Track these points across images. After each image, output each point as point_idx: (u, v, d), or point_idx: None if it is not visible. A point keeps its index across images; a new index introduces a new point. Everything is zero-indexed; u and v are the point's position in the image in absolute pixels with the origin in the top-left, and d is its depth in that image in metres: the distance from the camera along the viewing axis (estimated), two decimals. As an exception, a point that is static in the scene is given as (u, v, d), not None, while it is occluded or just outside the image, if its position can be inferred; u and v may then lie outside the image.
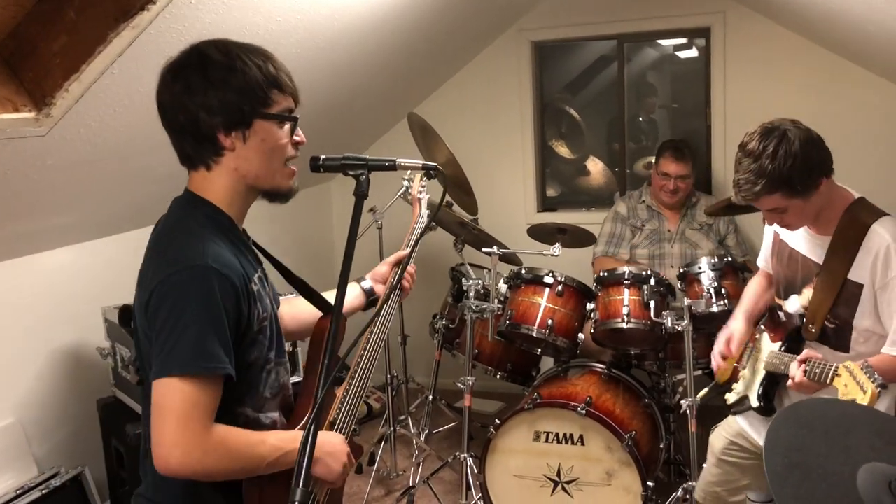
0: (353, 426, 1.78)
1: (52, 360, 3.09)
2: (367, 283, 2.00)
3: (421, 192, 2.35)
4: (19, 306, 2.96)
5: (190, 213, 1.51)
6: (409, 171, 2.38)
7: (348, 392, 1.74)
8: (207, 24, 2.31)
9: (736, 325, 2.53)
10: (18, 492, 2.80)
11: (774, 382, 2.38)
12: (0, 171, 2.33)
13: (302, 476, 1.29)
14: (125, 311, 2.93)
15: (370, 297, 1.99)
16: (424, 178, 2.24)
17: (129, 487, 2.93)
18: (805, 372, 2.09)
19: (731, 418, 2.56)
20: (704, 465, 2.67)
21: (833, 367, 2.00)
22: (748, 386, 2.47)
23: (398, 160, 1.60)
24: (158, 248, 1.49)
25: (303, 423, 1.62)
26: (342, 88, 3.64)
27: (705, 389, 2.79)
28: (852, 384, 1.89)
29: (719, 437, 2.59)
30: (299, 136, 1.57)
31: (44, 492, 2.83)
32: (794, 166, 2.06)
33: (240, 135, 1.49)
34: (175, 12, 2.16)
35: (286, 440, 1.52)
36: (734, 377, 2.60)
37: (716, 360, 2.56)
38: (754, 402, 2.39)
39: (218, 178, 1.52)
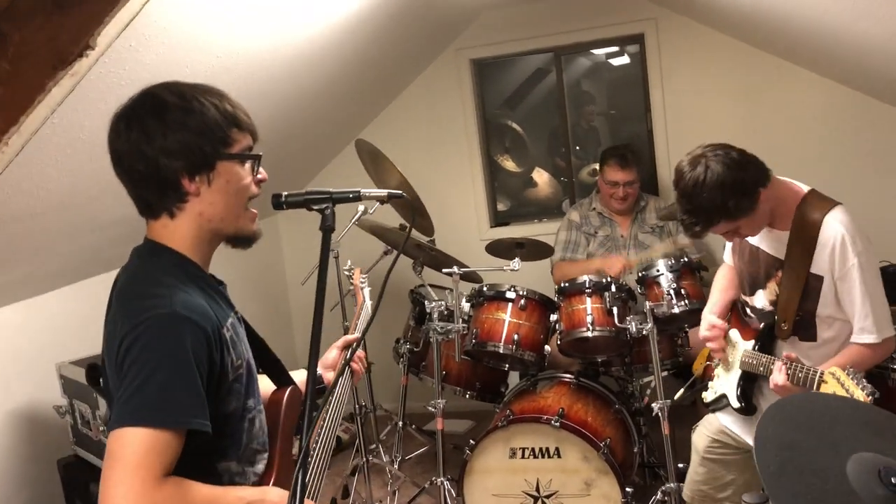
0: None
1: (7, 422, 2.96)
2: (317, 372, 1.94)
3: (363, 283, 2.36)
4: (-33, 369, 2.84)
5: (154, 263, 1.45)
6: (349, 265, 2.58)
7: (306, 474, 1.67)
8: (147, 66, 2.26)
9: (710, 319, 2.53)
10: (-19, 565, 2.68)
11: (751, 381, 2.41)
12: (-60, 232, 2.24)
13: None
14: (92, 369, 2.81)
15: (318, 387, 1.89)
16: (363, 275, 2.37)
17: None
18: (788, 376, 2.11)
19: (710, 416, 2.59)
20: (689, 465, 2.68)
21: (819, 374, 2.03)
22: (724, 385, 2.50)
23: (362, 191, 1.57)
24: (123, 300, 1.42)
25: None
26: (286, 120, 3.61)
27: (681, 390, 2.81)
28: (840, 391, 1.90)
29: (701, 435, 2.61)
30: (262, 173, 1.54)
31: (8, 562, 2.71)
32: (724, 195, 2.12)
33: (204, 178, 1.44)
34: (115, 56, 2.11)
35: (249, 492, 1.46)
36: (707, 375, 2.62)
37: (713, 343, 2.52)
38: (735, 403, 2.41)
39: (181, 224, 1.46)
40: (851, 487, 1.28)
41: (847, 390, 1.91)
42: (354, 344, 1.94)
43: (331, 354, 1.97)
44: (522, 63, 5.06)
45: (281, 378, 1.70)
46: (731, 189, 2.11)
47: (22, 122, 2.06)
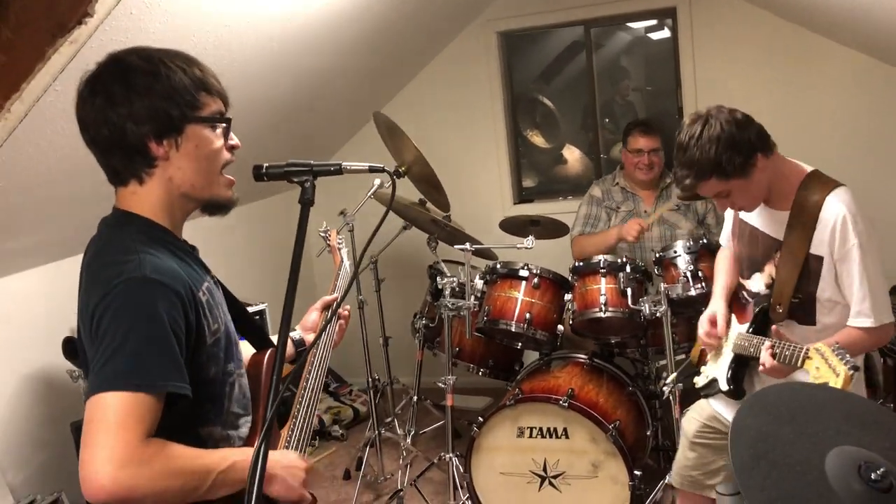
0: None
1: (23, 385, 3.03)
2: (296, 334, 1.92)
3: (340, 244, 2.34)
4: (-15, 332, 2.90)
5: (122, 230, 1.43)
6: (325, 226, 2.55)
7: (292, 433, 1.67)
8: (152, 34, 2.26)
9: (717, 306, 2.48)
10: (-6, 522, 2.75)
11: (743, 364, 2.34)
12: (-51, 198, 2.27)
13: (253, 499, 1.23)
14: (69, 342, 2.84)
15: (299, 349, 1.89)
16: (340, 234, 2.36)
17: (109, 510, 2.87)
18: (774, 355, 2.05)
19: (702, 402, 2.53)
20: (678, 451, 2.64)
21: (804, 350, 1.96)
22: (716, 369, 2.43)
23: (343, 164, 1.54)
24: (93, 270, 1.41)
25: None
26: (302, 92, 3.58)
27: (674, 374, 2.76)
28: (824, 367, 1.85)
29: (691, 420, 2.56)
30: (233, 139, 1.51)
31: (21, 521, 2.78)
32: (718, 149, 2.07)
33: (172, 142, 1.42)
34: (115, 24, 2.10)
35: (235, 451, 1.45)
36: (703, 360, 2.56)
37: (708, 341, 2.48)
38: (724, 386, 2.35)
39: (151, 190, 1.44)
40: (828, 482, 1.22)
41: (830, 364, 1.86)
42: (335, 304, 1.91)
43: (310, 317, 1.96)
44: (557, 37, 4.97)
45: (262, 343, 1.70)
46: (725, 144, 2.07)
47: (23, 90, 2.08)
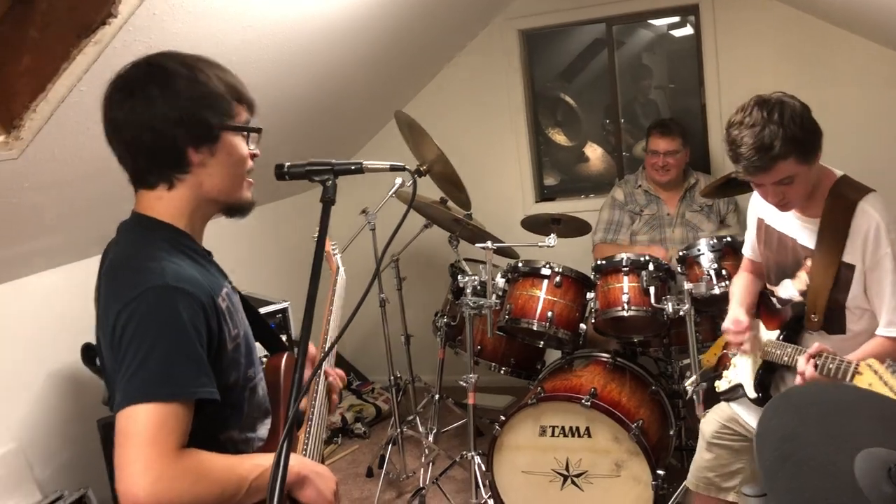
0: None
1: (51, 382, 3.06)
2: None
3: (335, 251, 2.30)
4: (14, 330, 2.93)
5: (144, 237, 1.43)
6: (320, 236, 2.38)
7: (308, 437, 1.67)
8: (175, 35, 2.27)
9: (737, 312, 2.41)
10: (22, 517, 2.78)
11: (771, 371, 2.31)
12: (-23, 198, 2.30)
13: (275, 499, 1.22)
14: (88, 350, 2.85)
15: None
16: (334, 242, 2.28)
17: (134, 507, 2.90)
18: (816, 367, 1.98)
19: (722, 404, 2.50)
20: (695, 453, 2.60)
21: (853, 365, 1.88)
22: (741, 374, 2.40)
23: (364, 163, 1.54)
24: (113, 277, 1.41)
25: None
26: (324, 92, 3.59)
27: (693, 377, 2.72)
28: (878, 384, 1.77)
29: (710, 421, 2.52)
30: (255, 149, 1.52)
31: (47, 516, 2.81)
32: (803, 127, 2.01)
33: (208, 149, 1.42)
34: (138, 24, 2.12)
35: (267, 458, 1.43)
36: (722, 364, 2.53)
37: (736, 339, 2.41)
38: (751, 394, 2.32)
39: (179, 196, 1.45)
40: (857, 485, 1.20)
41: (885, 382, 1.79)
42: (318, 359, 1.74)
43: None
44: (579, 35, 4.94)
45: (275, 346, 1.70)
46: (809, 124, 2.02)
47: (49, 90, 2.10)
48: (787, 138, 1.99)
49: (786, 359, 2.16)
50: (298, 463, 1.49)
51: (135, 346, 1.30)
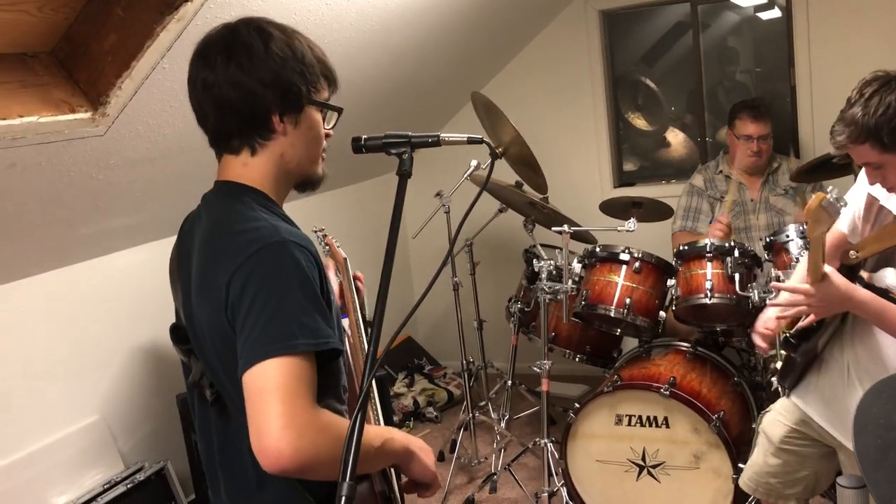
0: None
1: (133, 358, 3.15)
2: None
3: (336, 243, 2.26)
4: (98, 307, 3.02)
5: (240, 201, 1.40)
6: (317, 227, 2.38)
7: (375, 413, 1.66)
8: (255, 12, 2.28)
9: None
10: (105, 486, 2.87)
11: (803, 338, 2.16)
12: (65, 173, 2.36)
13: (349, 469, 1.20)
14: (176, 330, 2.88)
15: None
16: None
17: (211, 480, 2.96)
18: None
19: (787, 402, 2.33)
20: (755, 452, 2.44)
21: None
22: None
23: (442, 135, 1.51)
24: (219, 242, 1.37)
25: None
26: (401, 71, 3.58)
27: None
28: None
29: (776, 423, 2.35)
30: (330, 129, 1.51)
31: (129, 486, 2.89)
32: (884, 117, 1.87)
33: (291, 119, 1.42)
34: (220, 1, 2.14)
35: (383, 429, 1.46)
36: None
37: (766, 335, 2.32)
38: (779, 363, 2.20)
39: (261, 163, 1.43)
40: (967, 478, 1.12)
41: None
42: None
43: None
44: (662, 16, 4.79)
45: None
46: (893, 114, 1.88)
47: (133, 68, 2.14)
48: (862, 125, 1.90)
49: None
50: (405, 438, 1.48)
51: (260, 303, 1.27)
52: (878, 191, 2.13)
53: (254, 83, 1.37)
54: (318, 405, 1.31)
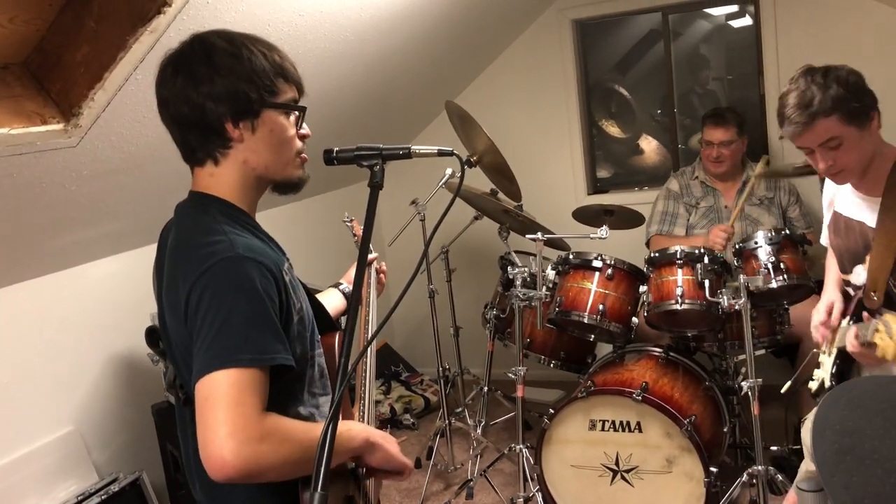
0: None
1: (107, 368, 3.14)
2: (346, 287, 2.00)
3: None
4: (72, 317, 3.01)
5: (204, 212, 1.45)
6: (347, 216, 2.51)
7: (362, 413, 1.69)
8: (228, 24, 2.29)
9: (832, 294, 2.37)
10: (80, 497, 2.85)
11: (849, 360, 2.22)
12: (37, 185, 2.35)
13: (321, 478, 1.22)
14: (152, 333, 2.90)
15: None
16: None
17: (186, 491, 2.95)
18: (857, 336, 1.95)
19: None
20: (802, 464, 2.49)
21: (874, 322, 1.86)
22: (826, 370, 2.31)
23: (413, 147, 1.53)
24: (181, 253, 1.42)
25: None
26: (375, 81, 3.60)
27: (788, 383, 2.62)
28: (887, 337, 1.73)
29: (810, 430, 2.42)
30: (305, 129, 1.53)
31: (104, 497, 2.88)
32: (847, 86, 2.00)
33: (248, 125, 1.44)
34: (193, 13, 2.14)
35: (343, 424, 1.46)
36: (813, 363, 2.43)
37: (819, 333, 2.37)
38: (828, 383, 2.23)
39: (226, 172, 1.47)
40: (922, 481, 1.15)
41: (891, 334, 1.75)
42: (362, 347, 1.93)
43: (352, 271, 2.04)
44: (634, 25, 4.86)
45: (328, 327, 1.71)
46: (854, 85, 2.01)
47: (106, 79, 2.14)
48: (829, 96, 2.00)
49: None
50: (364, 429, 1.52)
51: (211, 316, 1.31)
52: (834, 197, 2.20)
53: (201, 97, 1.41)
54: (284, 414, 1.37)
